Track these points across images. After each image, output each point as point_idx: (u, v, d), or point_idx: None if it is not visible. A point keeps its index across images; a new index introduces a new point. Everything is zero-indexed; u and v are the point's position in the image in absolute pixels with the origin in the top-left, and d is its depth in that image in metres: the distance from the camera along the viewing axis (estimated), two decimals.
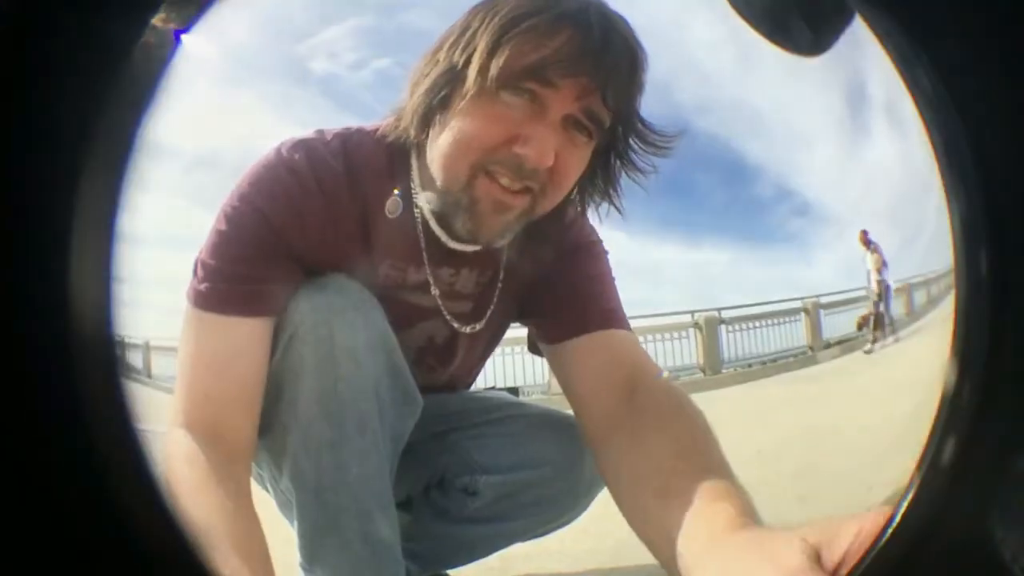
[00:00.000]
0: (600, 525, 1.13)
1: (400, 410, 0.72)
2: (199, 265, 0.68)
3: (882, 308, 2.66)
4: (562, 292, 0.76)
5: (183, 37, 0.36)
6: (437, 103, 0.62)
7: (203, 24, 0.38)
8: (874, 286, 2.64)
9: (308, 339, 0.64)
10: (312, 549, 0.69)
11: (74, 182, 0.32)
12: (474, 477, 0.83)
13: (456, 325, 0.76)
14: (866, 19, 0.42)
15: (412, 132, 0.66)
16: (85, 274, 0.32)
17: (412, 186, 0.70)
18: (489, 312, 0.77)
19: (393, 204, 0.69)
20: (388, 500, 0.70)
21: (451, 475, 0.85)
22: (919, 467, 0.42)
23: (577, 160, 0.63)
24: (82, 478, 0.33)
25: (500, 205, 0.61)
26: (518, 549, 1.03)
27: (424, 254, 0.72)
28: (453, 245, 0.71)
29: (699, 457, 0.55)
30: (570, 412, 0.79)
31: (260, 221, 0.67)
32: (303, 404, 0.65)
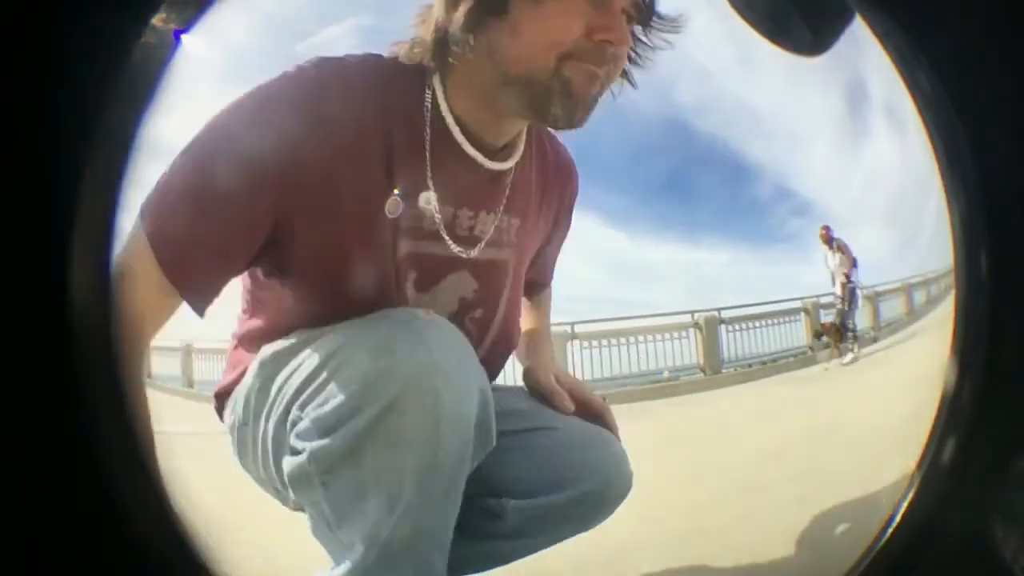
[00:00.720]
0: (599, 526, 1.13)
1: (477, 452, 0.67)
2: (167, 187, 0.61)
3: (848, 315, 2.48)
4: (548, 258, 0.89)
5: (183, 37, 0.36)
6: (497, 6, 0.64)
7: (203, 24, 0.38)
8: (838, 289, 2.46)
9: (412, 411, 0.59)
10: None
11: (74, 182, 0.32)
12: (500, 500, 0.78)
13: (462, 251, 0.72)
14: (866, 19, 0.42)
15: (459, 36, 0.65)
16: (85, 274, 0.32)
17: (440, 106, 0.68)
18: (502, 222, 0.75)
19: (393, 204, 0.68)
20: (448, 543, 0.66)
21: (472, 492, 0.79)
22: (919, 467, 0.42)
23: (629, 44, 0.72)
24: (82, 478, 0.33)
25: (592, 76, 0.65)
26: None
27: (442, 178, 0.69)
28: (480, 158, 0.70)
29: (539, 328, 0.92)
30: (600, 427, 0.84)
31: (263, 147, 0.62)
32: (398, 478, 0.60)
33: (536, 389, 0.84)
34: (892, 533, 0.41)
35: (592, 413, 0.83)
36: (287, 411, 0.66)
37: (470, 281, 0.75)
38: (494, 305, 0.77)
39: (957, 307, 0.42)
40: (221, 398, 0.78)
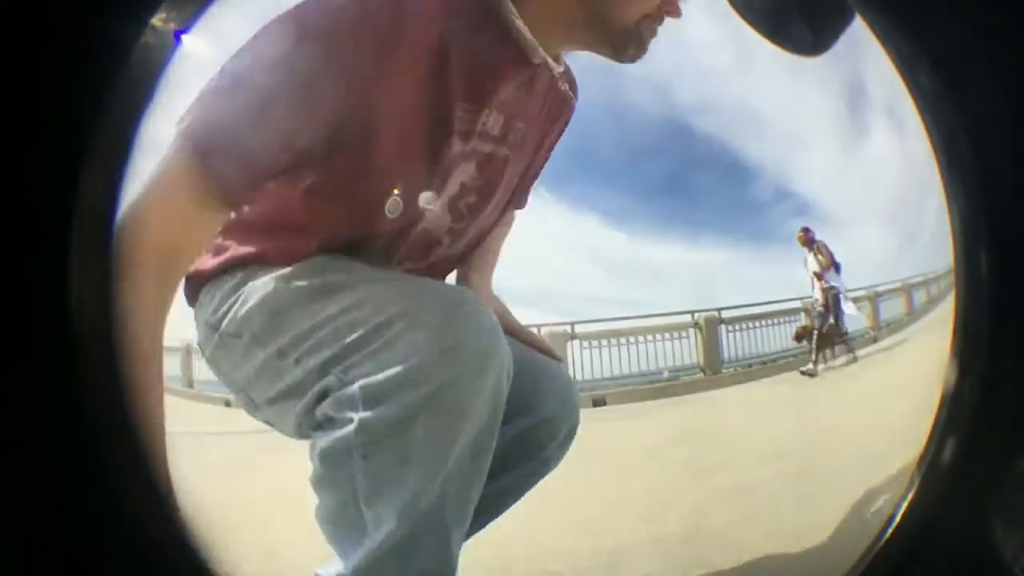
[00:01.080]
0: (600, 526, 1.13)
1: None
2: (224, 88, 0.63)
3: (831, 320, 2.35)
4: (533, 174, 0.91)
5: (183, 37, 0.36)
6: None
7: (203, 24, 0.38)
8: (818, 294, 2.33)
9: (464, 388, 0.63)
10: (376, 565, 0.66)
11: (74, 182, 0.32)
12: None
13: (487, 147, 0.77)
14: (866, 19, 0.42)
15: None
16: (85, 274, 0.32)
17: (508, 15, 0.73)
18: (518, 132, 0.80)
19: (393, 204, 0.70)
20: (466, 526, 0.69)
21: None
22: (919, 467, 0.42)
23: None
24: (82, 477, 0.33)
25: (655, 32, 0.77)
26: (518, 550, 1.02)
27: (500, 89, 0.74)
28: (551, 62, 0.77)
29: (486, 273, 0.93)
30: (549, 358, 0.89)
31: (329, 35, 0.63)
32: (444, 449, 0.64)
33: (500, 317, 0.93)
34: (892, 533, 0.41)
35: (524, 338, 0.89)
36: (324, 367, 0.66)
37: (472, 170, 0.77)
38: (488, 196, 0.81)
39: (957, 307, 0.42)
40: (196, 282, 0.76)
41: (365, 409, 0.62)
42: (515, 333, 0.85)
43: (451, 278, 0.89)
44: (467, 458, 0.65)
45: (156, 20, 0.34)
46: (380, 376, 0.62)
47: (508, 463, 0.82)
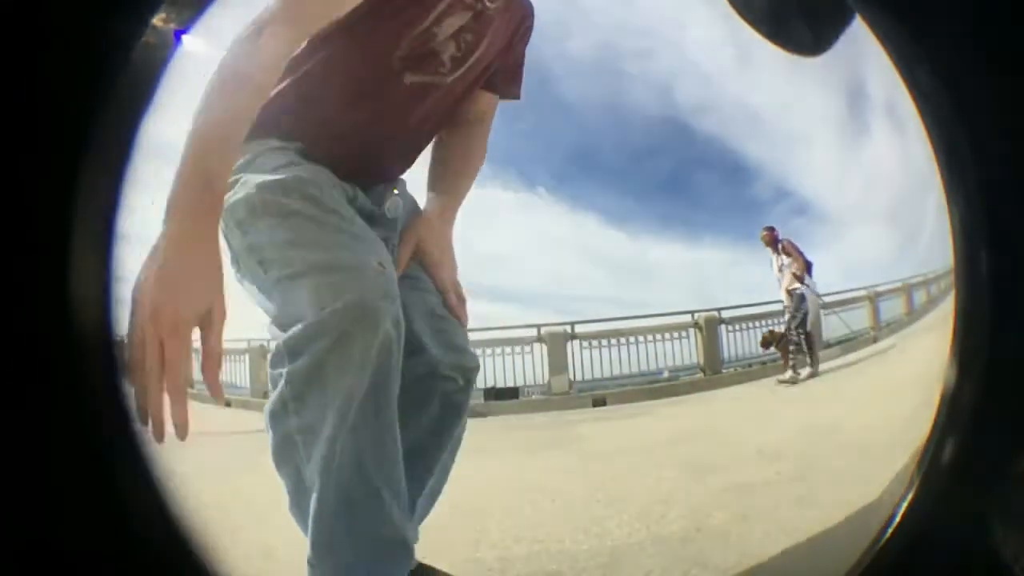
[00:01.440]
0: (600, 526, 1.13)
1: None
2: None
3: (798, 327, 2.17)
4: (516, 59, 1.04)
5: (183, 37, 0.36)
6: None
7: (203, 24, 0.38)
8: (783, 297, 2.17)
9: (357, 342, 0.71)
10: (326, 536, 0.73)
11: (74, 182, 0.32)
12: None
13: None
14: (866, 19, 0.42)
15: None
16: (85, 274, 0.32)
17: None
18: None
19: (393, 204, 0.85)
20: (398, 489, 0.75)
21: None
22: (919, 467, 0.42)
23: None
24: (82, 478, 0.33)
25: None
26: (518, 550, 1.02)
27: None
28: None
29: (460, 174, 1.03)
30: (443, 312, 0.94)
31: None
32: (348, 393, 0.71)
33: (430, 261, 0.97)
34: (892, 533, 0.41)
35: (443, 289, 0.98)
36: (275, 284, 0.76)
37: (469, 16, 0.92)
38: (480, 37, 0.95)
39: (957, 307, 0.42)
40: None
41: (290, 362, 0.72)
42: (437, 280, 0.96)
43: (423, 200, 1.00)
44: (370, 412, 0.73)
45: (156, 20, 0.34)
46: (294, 330, 0.72)
47: (413, 412, 0.88)
